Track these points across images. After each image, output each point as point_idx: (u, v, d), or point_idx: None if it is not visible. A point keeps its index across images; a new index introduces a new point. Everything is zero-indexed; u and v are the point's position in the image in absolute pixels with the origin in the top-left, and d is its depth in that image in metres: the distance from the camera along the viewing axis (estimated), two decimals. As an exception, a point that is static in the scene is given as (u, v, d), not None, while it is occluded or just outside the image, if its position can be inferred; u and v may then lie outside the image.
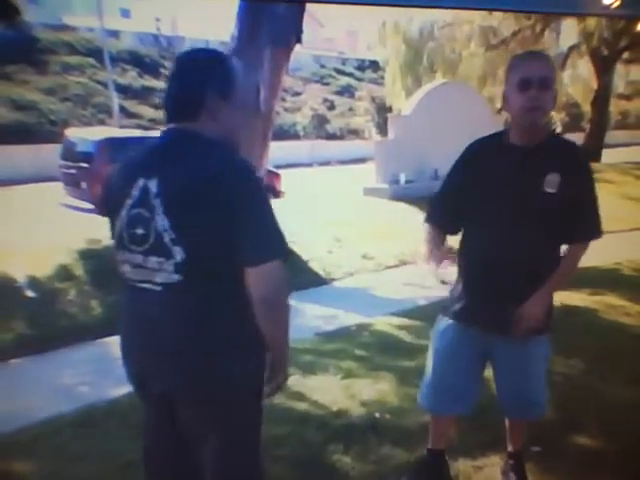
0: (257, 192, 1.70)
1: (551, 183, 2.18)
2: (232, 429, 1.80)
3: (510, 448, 2.72)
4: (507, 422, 2.67)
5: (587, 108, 19.90)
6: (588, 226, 2.31)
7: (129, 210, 1.70)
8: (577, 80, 19.93)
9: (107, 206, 1.81)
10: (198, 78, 1.74)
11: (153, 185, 1.66)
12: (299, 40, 6.64)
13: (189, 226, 1.64)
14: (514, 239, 2.23)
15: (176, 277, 1.65)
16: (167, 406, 1.82)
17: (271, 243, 1.68)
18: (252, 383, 1.80)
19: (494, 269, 2.28)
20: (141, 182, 1.69)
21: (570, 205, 2.21)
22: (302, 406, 3.46)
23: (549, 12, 9.01)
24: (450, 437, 2.79)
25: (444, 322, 2.50)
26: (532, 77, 2.17)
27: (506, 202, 2.23)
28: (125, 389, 3.85)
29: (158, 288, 1.68)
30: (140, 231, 1.68)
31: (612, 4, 2.52)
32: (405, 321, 4.92)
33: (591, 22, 15.93)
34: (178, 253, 1.64)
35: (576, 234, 2.30)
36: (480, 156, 2.36)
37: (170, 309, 1.69)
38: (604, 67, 18.11)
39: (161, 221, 1.64)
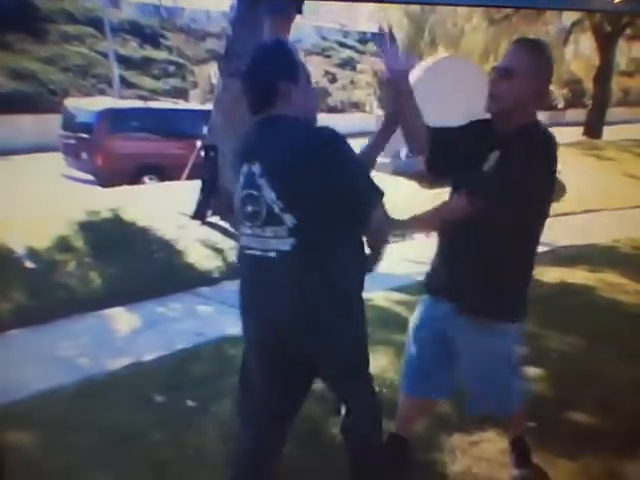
0: (346, 149, 1.96)
1: (488, 163, 2.15)
2: (354, 365, 2.13)
3: (509, 436, 2.70)
4: None
5: (589, 85, 19.71)
6: (475, 190, 2.17)
7: (240, 193, 2.02)
8: (579, 56, 19.75)
9: (232, 193, 2.13)
10: (268, 72, 2.00)
11: (256, 168, 1.96)
12: (299, 10, 6.52)
13: (293, 194, 1.92)
14: (469, 217, 2.21)
15: (289, 242, 1.92)
16: (284, 360, 2.08)
17: (374, 187, 1.98)
18: (361, 319, 2.11)
19: (452, 243, 2.35)
20: (245, 168, 2.00)
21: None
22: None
23: (553, 8, 8.83)
24: (412, 427, 2.77)
25: (421, 296, 2.59)
26: (498, 65, 2.25)
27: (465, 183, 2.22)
28: (125, 361, 3.91)
29: (272, 255, 1.94)
30: (251, 208, 1.97)
31: None
32: (404, 296, 4.92)
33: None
34: (288, 219, 1.91)
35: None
36: (462, 132, 2.38)
37: (284, 274, 1.95)
38: (607, 43, 17.89)
39: (269, 195, 1.92)
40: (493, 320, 2.29)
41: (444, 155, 2.36)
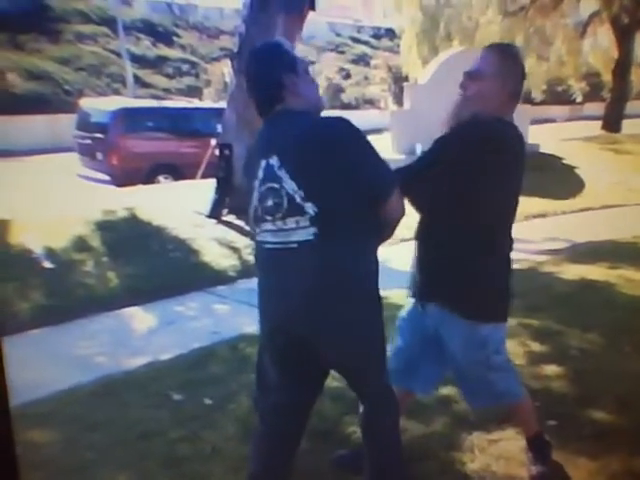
0: (360, 136, 2.01)
1: None
2: (370, 356, 2.12)
3: (525, 433, 2.67)
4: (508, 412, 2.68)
5: (608, 77, 19.44)
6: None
7: (259, 188, 2.04)
8: (597, 48, 19.46)
9: (246, 193, 2.15)
10: (270, 68, 2.05)
11: (274, 161, 1.99)
12: (312, 7, 6.51)
13: (314, 182, 1.95)
14: (433, 214, 2.33)
15: (312, 232, 1.94)
16: (302, 353, 2.08)
17: (390, 172, 2.05)
18: (379, 313, 2.11)
19: (422, 241, 2.41)
20: (263, 163, 2.02)
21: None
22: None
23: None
24: None
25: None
26: (469, 69, 2.33)
27: None
28: (142, 359, 3.93)
29: (294, 246, 1.97)
30: (272, 202, 1.99)
31: None
32: (420, 294, 4.89)
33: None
34: (310, 208, 1.93)
35: None
36: None
37: (306, 263, 1.97)
38: (625, 35, 17.64)
39: (290, 186, 1.95)
40: (473, 320, 2.30)
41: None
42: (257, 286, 2.17)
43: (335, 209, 1.96)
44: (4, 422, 0.93)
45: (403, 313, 2.58)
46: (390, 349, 2.56)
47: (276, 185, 1.98)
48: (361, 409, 2.25)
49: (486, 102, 2.26)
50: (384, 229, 2.13)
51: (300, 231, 1.96)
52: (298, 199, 1.94)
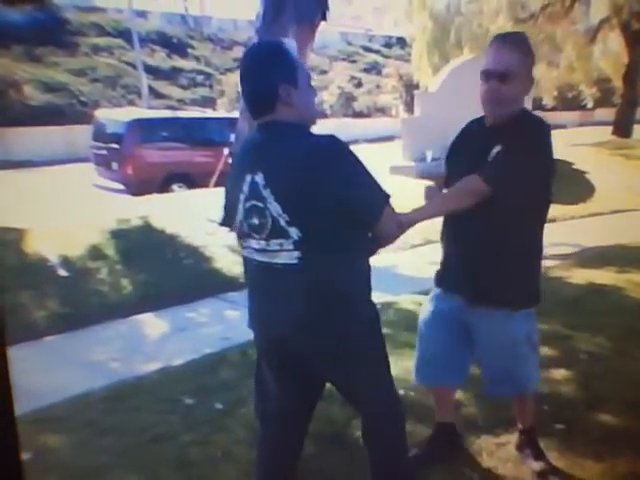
0: (350, 157, 1.90)
1: (492, 155, 2.22)
2: (367, 366, 2.06)
3: (520, 426, 2.75)
4: (515, 401, 2.72)
5: (618, 83, 19.38)
6: (488, 172, 2.20)
7: (244, 204, 1.94)
8: (608, 54, 19.41)
9: (228, 204, 2.08)
10: (265, 75, 1.90)
11: (260, 178, 1.88)
12: (324, 17, 6.58)
13: (299, 207, 1.85)
14: (472, 211, 2.24)
15: (295, 255, 1.87)
16: (295, 365, 2.06)
17: (380, 192, 1.94)
18: (372, 324, 2.08)
19: (458, 239, 2.42)
20: (248, 178, 1.91)
21: None
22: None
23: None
24: (453, 410, 2.89)
25: (432, 292, 2.64)
26: (493, 70, 2.22)
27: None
28: (155, 365, 3.98)
29: (279, 267, 1.91)
30: (256, 221, 1.91)
31: None
32: (430, 299, 4.91)
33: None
34: (294, 232, 1.85)
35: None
36: (462, 135, 2.51)
37: (291, 284, 1.91)
38: (635, 40, 17.58)
39: (275, 208, 1.86)
40: (511, 308, 2.37)
41: (455, 160, 2.50)
42: (247, 297, 2.12)
43: (320, 234, 1.87)
44: (10, 428, 0.96)
45: (430, 313, 2.59)
46: (421, 349, 2.64)
47: (261, 204, 1.88)
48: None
49: (519, 98, 2.29)
50: (375, 245, 2.07)
51: (284, 253, 1.88)
52: (282, 222, 1.85)
